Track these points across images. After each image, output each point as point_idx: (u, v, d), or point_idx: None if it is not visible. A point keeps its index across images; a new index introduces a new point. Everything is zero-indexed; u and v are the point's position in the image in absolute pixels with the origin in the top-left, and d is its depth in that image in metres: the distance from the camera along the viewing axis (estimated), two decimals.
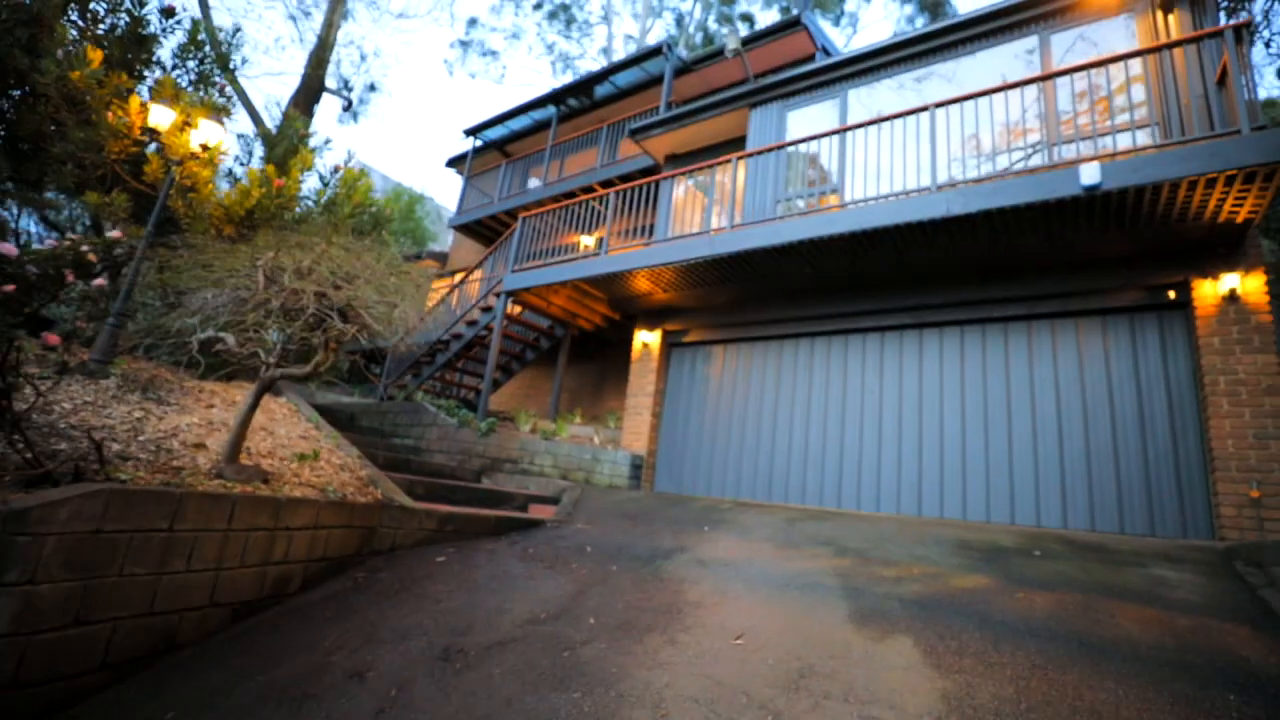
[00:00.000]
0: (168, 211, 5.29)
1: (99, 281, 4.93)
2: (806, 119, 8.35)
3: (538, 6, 28.58)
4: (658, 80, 12.44)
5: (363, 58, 18.78)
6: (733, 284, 7.96)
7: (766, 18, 26.71)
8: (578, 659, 2.98)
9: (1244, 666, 2.74)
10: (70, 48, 5.04)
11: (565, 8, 28.54)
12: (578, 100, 13.58)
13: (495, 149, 15.66)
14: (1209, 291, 5.46)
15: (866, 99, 7.88)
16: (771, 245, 6.81)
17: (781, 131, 8.54)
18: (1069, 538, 5.09)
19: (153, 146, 5.55)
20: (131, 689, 2.80)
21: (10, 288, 3.69)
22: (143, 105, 5.38)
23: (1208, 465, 5.26)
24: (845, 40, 27.10)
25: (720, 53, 11.69)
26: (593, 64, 29.65)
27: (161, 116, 5.20)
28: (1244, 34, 4.88)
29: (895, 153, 6.89)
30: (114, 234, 4.95)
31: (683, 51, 12.02)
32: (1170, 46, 5.29)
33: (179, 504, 3.01)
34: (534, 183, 15.17)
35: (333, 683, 2.85)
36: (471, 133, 15.02)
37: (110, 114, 5.37)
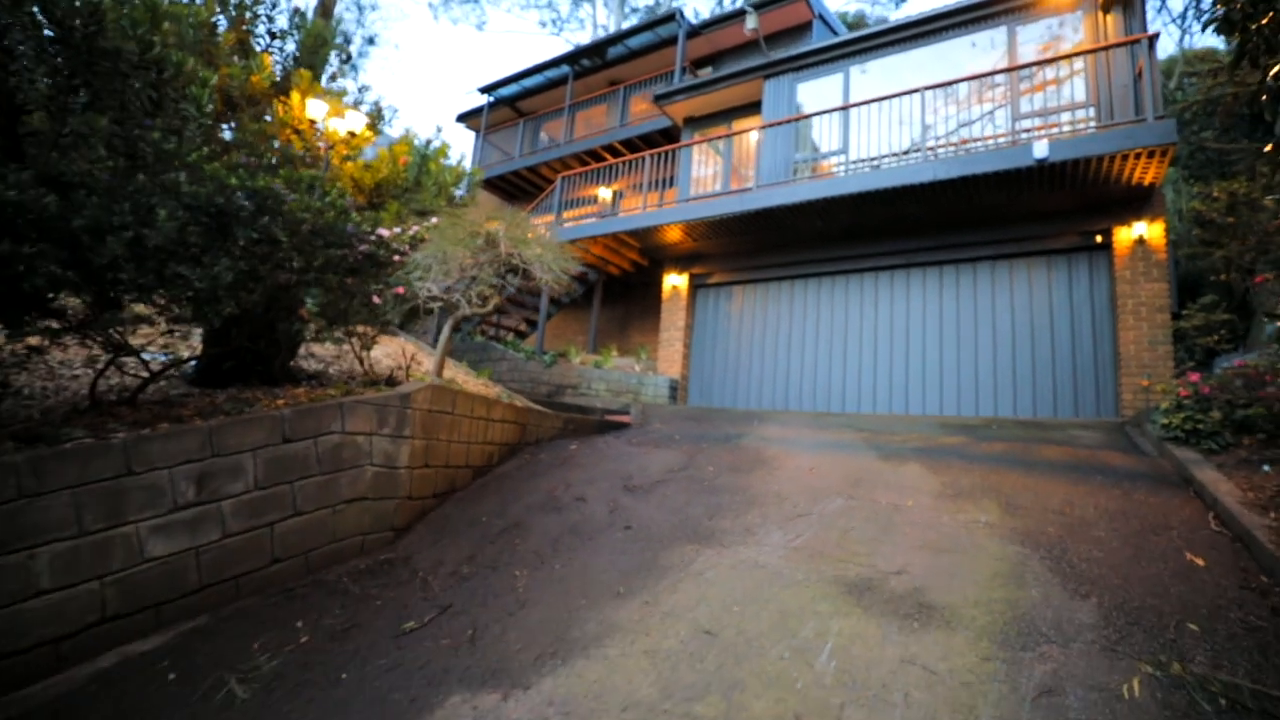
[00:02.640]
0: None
1: None
2: (814, 90, 9.80)
3: None
4: (667, 42, 13.54)
5: (360, 9, 19.02)
6: (752, 234, 9.57)
7: None
8: (714, 484, 4.78)
9: (1109, 467, 4.68)
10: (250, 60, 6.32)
11: None
12: (590, 61, 14.59)
13: (507, 105, 16.59)
14: (1125, 236, 7.30)
15: (867, 74, 9.36)
16: (790, 203, 8.42)
17: (793, 100, 9.99)
18: (1017, 420, 7.09)
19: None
20: (449, 507, 4.51)
21: None
22: (302, 101, 6.64)
23: (1117, 365, 7.23)
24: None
25: (727, 18, 12.87)
26: (583, 10, 29.72)
27: (317, 110, 6.50)
28: (1153, 44, 6.54)
29: (891, 124, 8.48)
30: None
31: (691, 18, 13.12)
32: (1105, 49, 6.94)
33: (455, 396, 4.65)
34: (546, 139, 16.28)
35: (567, 503, 4.58)
36: (487, 90, 15.92)
37: (280, 108, 6.67)
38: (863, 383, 8.79)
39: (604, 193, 13.56)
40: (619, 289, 13.50)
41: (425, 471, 4.29)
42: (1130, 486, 4.19)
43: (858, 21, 24.73)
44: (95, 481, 2.74)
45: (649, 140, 13.05)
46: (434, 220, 4.35)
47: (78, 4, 2.76)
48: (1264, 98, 2.74)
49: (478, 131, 16.89)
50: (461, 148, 24.69)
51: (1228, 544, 3.17)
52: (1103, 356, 7.38)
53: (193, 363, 4.13)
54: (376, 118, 6.98)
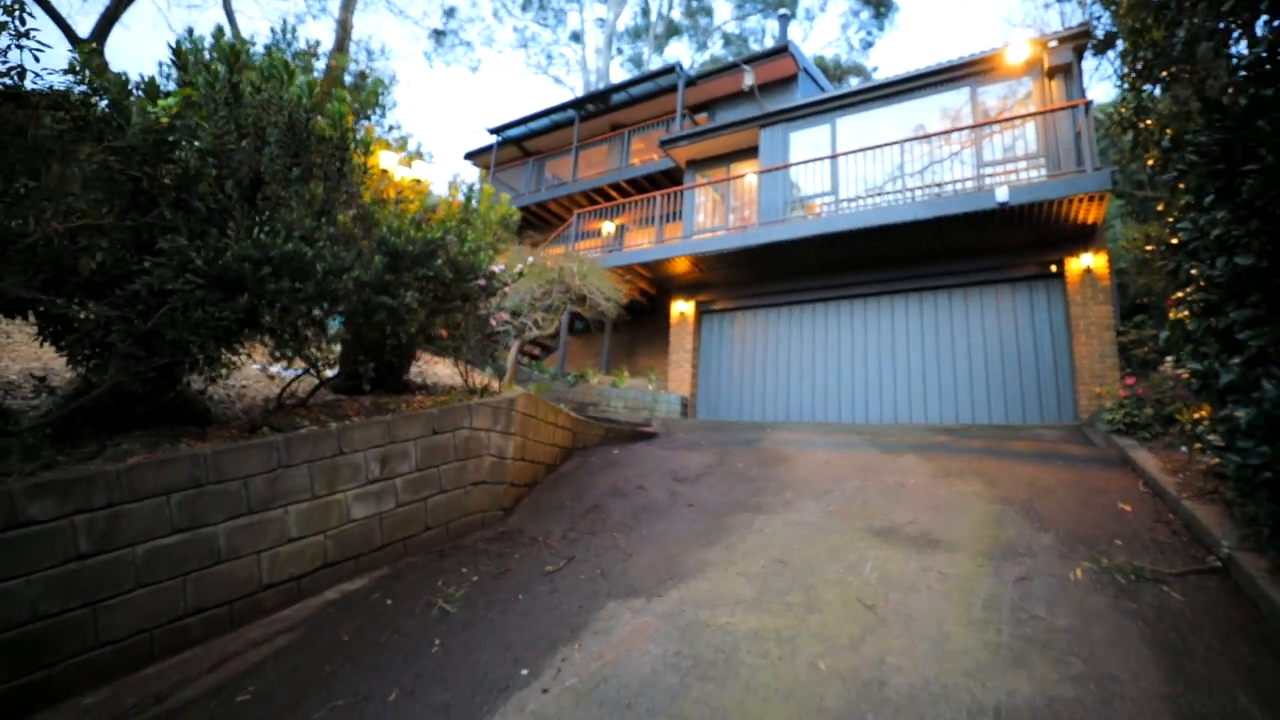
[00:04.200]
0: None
1: None
2: (805, 138, 11.11)
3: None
4: (666, 90, 14.88)
5: (370, 53, 20.20)
6: (753, 266, 10.73)
7: (724, 10, 29.14)
8: (748, 474, 5.79)
9: (1067, 454, 5.80)
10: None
11: None
12: (595, 106, 15.87)
13: (514, 144, 17.77)
14: (1075, 266, 8.59)
15: (851, 125, 10.69)
16: (788, 239, 9.61)
17: (786, 147, 11.28)
18: (992, 424, 8.24)
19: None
20: (535, 495, 5.43)
21: None
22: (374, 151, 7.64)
23: (1073, 375, 8.45)
24: (803, 35, 29.81)
25: (720, 70, 14.27)
26: (567, 49, 31.33)
27: (389, 161, 7.52)
28: (1089, 108, 7.92)
29: (874, 168, 9.78)
30: None
31: (689, 70, 14.50)
32: (1051, 111, 8.31)
33: (539, 404, 5.62)
34: (551, 177, 17.46)
35: (630, 491, 5.54)
36: (496, 131, 17.09)
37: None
38: (855, 396, 9.92)
39: (608, 226, 14.72)
40: (627, 316, 14.55)
41: (521, 464, 5.23)
42: (1083, 466, 5.31)
43: (834, 66, 26.62)
44: (321, 459, 3.66)
45: (653, 180, 14.27)
46: (530, 260, 5.34)
47: (303, 100, 3.77)
48: (1150, 162, 3.88)
49: (486, 169, 18.00)
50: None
51: (1149, 498, 4.27)
52: (1061, 369, 8.61)
53: (333, 374, 5.05)
54: (416, 158, 8.05)
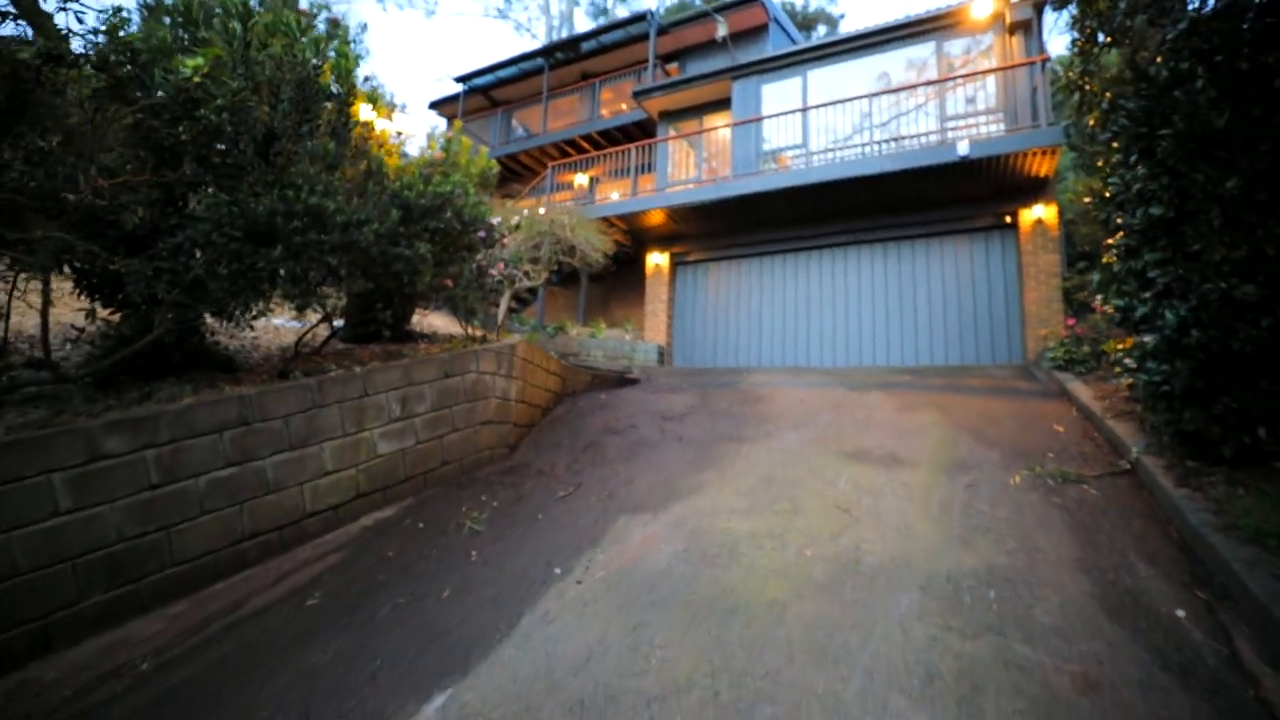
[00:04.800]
0: None
1: None
2: (777, 90, 11.31)
3: None
4: (637, 39, 14.73)
5: None
6: (727, 218, 11.05)
7: None
8: (730, 412, 6.29)
9: (1014, 389, 6.46)
10: None
11: None
12: (564, 54, 15.62)
13: (481, 94, 17.39)
14: (1027, 217, 9.17)
15: (822, 77, 10.93)
16: (762, 191, 9.93)
17: (759, 99, 11.47)
18: (949, 366, 8.92)
19: None
20: (534, 435, 5.84)
21: None
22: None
23: (1023, 320, 9.14)
24: None
25: (692, 18, 14.19)
26: None
27: (367, 113, 7.53)
28: (1045, 65, 8.35)
29: (843, 121, 10.11)
30: None
31: (660, 16, 14.35)
32: (1010, 68, 8.72)
33: (535, 350, 5.96)
34: (519, 127, 17.25)
35: (623, 429, 5.99)
36: (463, 79, 16.69)
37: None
38: (824, 341, 10.50)
39: (581, 179, 14.75)
40: (612, 267, 14.77)
41: (522, 405, 5.62)
42: (1027, 398, 5.96)
43: (802, 14, 26.38)
44: (349, 400, 3.98)
45: (625, 132, 14.29)
46: (525, 212, 5.59)
47: (310, 57, 3.91)
48: (1093, 123, 4.32)
49: (452, 119, 17.63)
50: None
51: (1080, 420, 4.91)
52: (1012, 314, 9.28)
53: (339, 325, 5.29)
54: (392, 110, 8.06)
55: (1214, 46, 2.79)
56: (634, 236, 12.59)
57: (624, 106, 16.03)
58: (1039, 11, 9.17)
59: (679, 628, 2.50)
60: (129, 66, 3.04)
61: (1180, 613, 2.32)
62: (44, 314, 3.18)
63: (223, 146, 3.59)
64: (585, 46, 15.42)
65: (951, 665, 2.13)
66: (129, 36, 2.99)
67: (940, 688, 2.02)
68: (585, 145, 14.94)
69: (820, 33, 26.78)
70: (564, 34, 29.40)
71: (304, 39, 3.90)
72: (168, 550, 3.09)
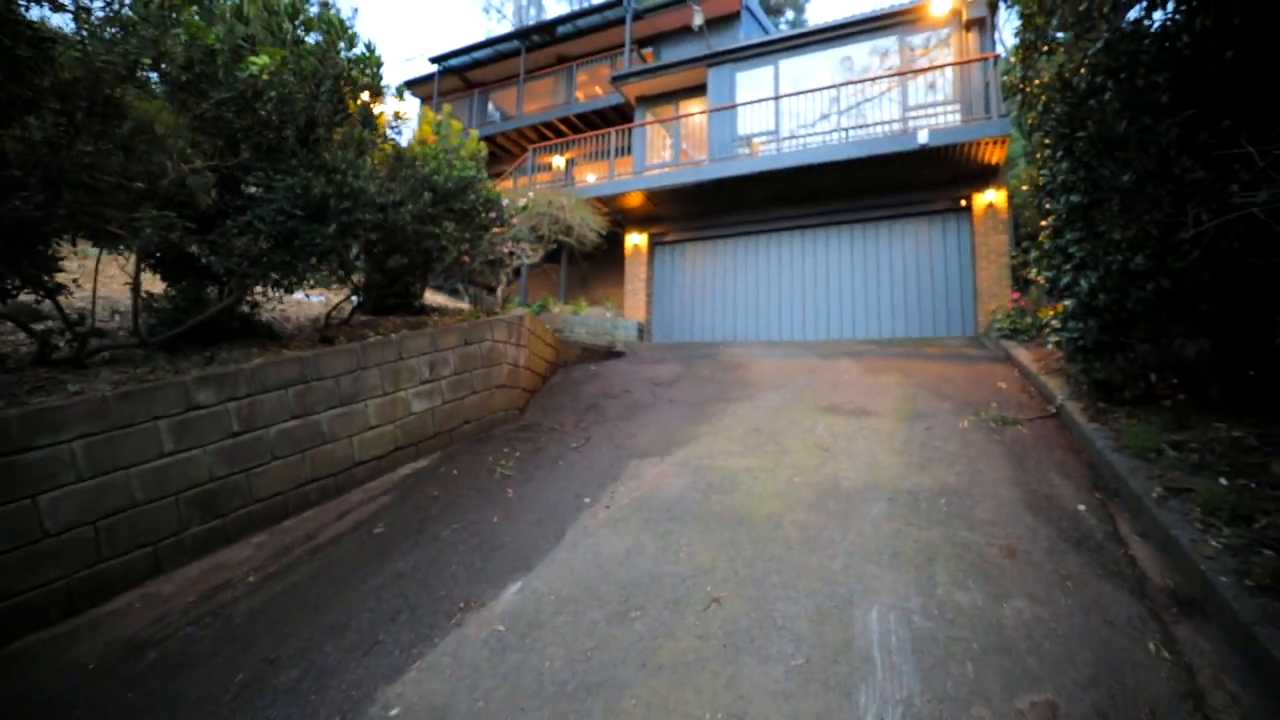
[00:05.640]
0: None
1: None
2: (751, 78, 11.86)
3: None
4: (613, 23, 15.04)
5: None
6: (703, 200, 11.62)
7: None
8: (714, 378, 6.92)
9: (966, 355, 7.25)
10: None
11: None
12: (540, 37, 15.83)
13: (456, 75, 17.47)
14: (980, 201, 9.99)
15: (792, 66, 11.51)
16: (737, 174, 10.52)
17: (733, 87, 12.00)
18: (909, 338, 9.74)
19: None
20: (537, 400, 6.36)
21: None
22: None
23: (976, 295, 9.99)
24: None
25: (667, 4, 14.57)
26: None
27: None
28: (997, 61, 9.09)
29: (813, 109, 10.73)
30: None
31: (635, 2, 14.68)
32: (965, 63, 9.44)
33: (536, 323, 6.46)
34: (494, 109, 17.42)
35: (619, 394, 6.56)
36: (437, 60, 16.74)
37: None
38: (795, 316, 11.23)
39: (558, 161, 15.09)
40: (605, 246, 15.20)
41: (528, 372, 6.14)
42: (976, 362, 6.74)
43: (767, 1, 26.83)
44: (387, 362, 4.45)
45: (603, 116, 14.66)
46: (531, 194, 6.05)
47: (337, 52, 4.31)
48: (1031, 121, 5.00)
49: (427, 100, 17.68)
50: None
51: (1020, 378, 5.69)
52: (966, 290, 10.13)
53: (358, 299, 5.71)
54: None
55: (1120, 65, 3.46)
56: (613, 217, 13.05)
57: (599, 90, 16.37)
58: (993, 10, 9.90)
59: (698, 534, 3.11)
60: (207, 66, 3.42)
61: (1081, 507, 3.04)
62: (135, 287, 3.57)
63: (270, 134, 4.00)
64: (561, 30, 15.66)
65: (911, 546, 2.79)
66: (208, 39, 3.37)
67: (904, 560, 2.68)
68: (563, 128, 15.26)
69: (788, 17, 27.35)
70: (533, 14, 29.30)
71: (346, 34, 4.30)
72: (247, 489, 3.56)
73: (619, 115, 14.54)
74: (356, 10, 19.86)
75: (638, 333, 11.98)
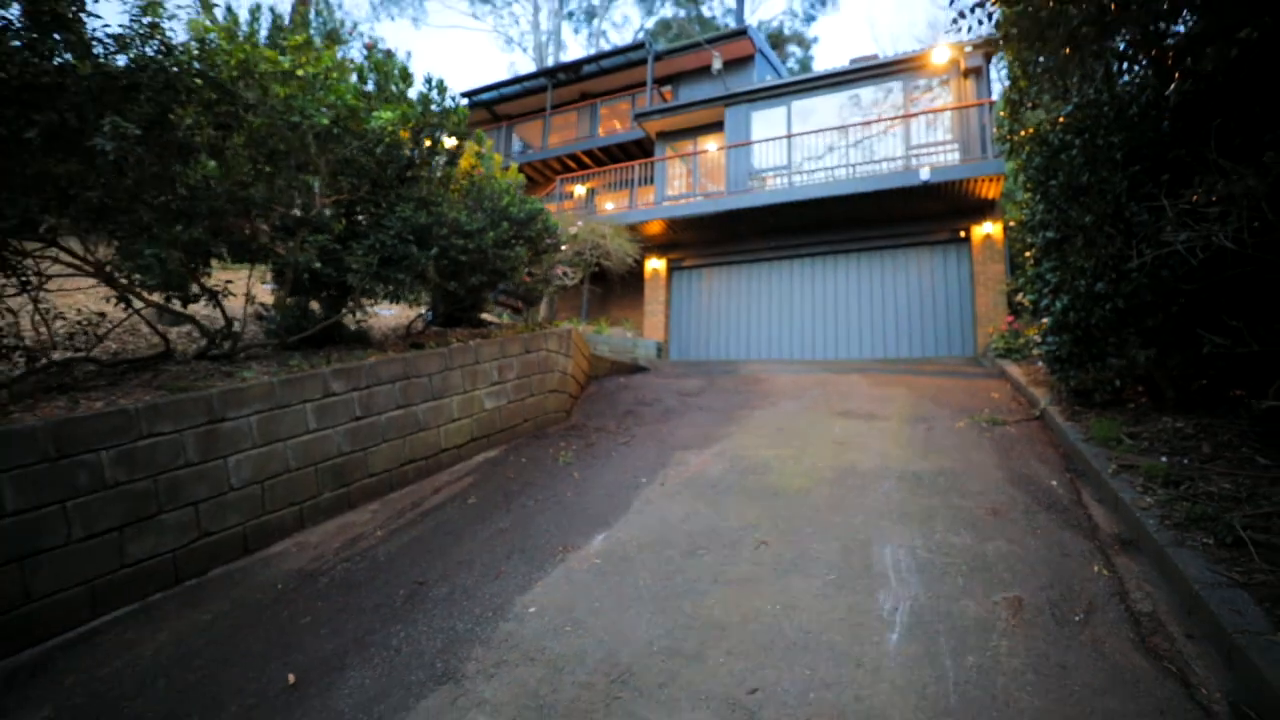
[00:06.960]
0: None
1: None
2: (765, 118, 12.82)
3: None
4: (635, 63, 16.13)
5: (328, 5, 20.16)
6: (720, 229, 12.49)
7: None
8: (737, 390, 7.66)
9: (965, 372, 7.98)
10: None
11: None
12: (566, 75, 16.93)
13: (484, 108, 18.56)
14: (978, 233, 10.81)
15: (803, 107, 12.47)
16: (752, 206, 11.40)
17: (749, 125, 12.96)
18: (913, 357, 10.49)
19: None
20: (580, 405, 7.10)
21: None
22: None
23: (975, 319, 10.76)
24: (751, 5, 31.11)
25: (685, 48, 15.66)
26: (516, 6, 31.38)
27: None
28: (992, 107, 10.00)
29: (821, 146, 11.65)
30: None
31: (656, 45, 15.78)
32: (964, 107, 10.36)
33: (581, 337, 7.23)
34: (519, 142, 18.47)
35: (651, 402, 7.30)
36: (468, 95, 17.84)
37: None
38: (805, 337, 12.00)
39: (579, 189, 16.05)
40: (599, 273, 16.07)
41: (574, 381, 6.89)
42: (974, 377, 7.47)
43: (778, 35, 28.22)
44: (467, 365, 5.21)
45: (624, 149, 15.65)
46: (580, 223, 6.87)
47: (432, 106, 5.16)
48: (1016, 168, 5.79)
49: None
50: None
51: (1011, 389, 6.42)
52: (966, 314, 10.90)
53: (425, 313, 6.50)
54: None
55: (1085, 126, 4.27)
56: (634, 244, 13.93)
57: (618, 125, 17.39)
58: (988, 60, 10.85)
59: (742, 503, 3.83)
60: (350, 121, 4.25)
61: (1053, 482, 3.76)
62: (281, 299, 4.36)
63: (382, 173, 4.82)
64: (586, 69, 16.76)
65: (916, 509, 3.51)
66: (350, 100, 4.21)
67: (910, 517, 3.40)
68: (585, 159, 16.25)
69: (795, 51, 28.68)
70: (552, 48, 30.71)
71: (436, 94, 5.15)
72: (365, 465, 4.30)
73: (639, 148, 15.51)
74: (410, 54, 20.94)
75: (657, 351, 12.75)
